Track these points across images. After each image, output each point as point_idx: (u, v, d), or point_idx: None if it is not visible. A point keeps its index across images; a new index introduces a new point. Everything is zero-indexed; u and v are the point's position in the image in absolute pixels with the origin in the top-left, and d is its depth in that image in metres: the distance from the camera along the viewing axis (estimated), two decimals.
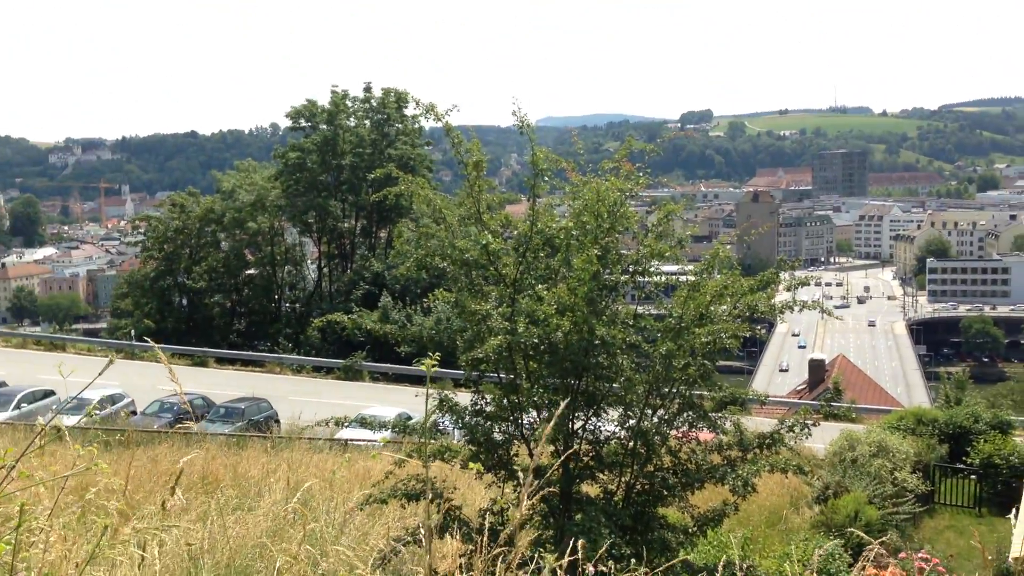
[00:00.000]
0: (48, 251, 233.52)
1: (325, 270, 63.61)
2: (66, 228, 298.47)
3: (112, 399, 30.17)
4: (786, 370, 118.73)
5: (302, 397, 34.28)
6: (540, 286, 10.15)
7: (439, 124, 11.06)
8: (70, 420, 24.95)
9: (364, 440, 23.85)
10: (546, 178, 10.86)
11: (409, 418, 12.14)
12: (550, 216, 10.92)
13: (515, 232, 10.81)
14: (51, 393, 31.57)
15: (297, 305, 62.27)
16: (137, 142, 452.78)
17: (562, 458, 9.18)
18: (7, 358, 41.51)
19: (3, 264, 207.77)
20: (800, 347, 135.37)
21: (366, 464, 18.28)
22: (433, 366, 3.36)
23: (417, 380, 39.11)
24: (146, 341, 38.32)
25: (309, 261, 66.65)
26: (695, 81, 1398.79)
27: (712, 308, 10.07)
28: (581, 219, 10.23)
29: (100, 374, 3.28)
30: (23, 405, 29.76)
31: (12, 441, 17.71)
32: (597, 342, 9.55)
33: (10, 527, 3.02)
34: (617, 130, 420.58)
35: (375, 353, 43.54)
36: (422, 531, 8.85)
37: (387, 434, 11.28)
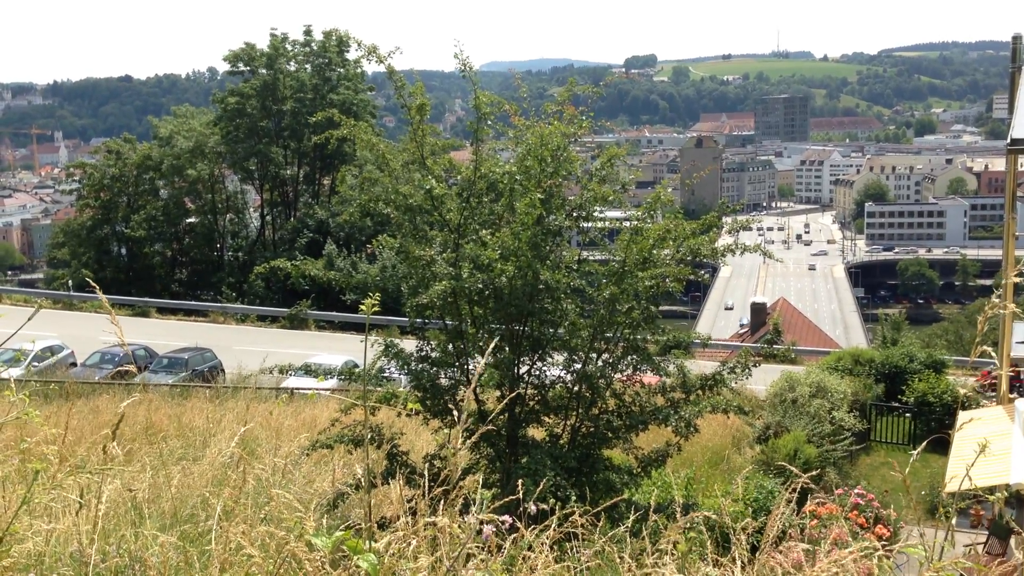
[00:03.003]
0: None
1: (268, 218, 62.67)
2: None
3: (51, 350, 29.61)
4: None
5: (247, 346, 33.96)
6: (484, 231, 10.11)
7: (381, 68, 10.87)
8: (10, 372, 24.47)
9: (310, 389, 23.79)
10: (489, 122, 10.75)
11: (356, 366, 12.09)
12: (494, 161, 10.86)
13: (459, 177, 10.75)
14: None
15: (240, 254, 61.36)
16: (69, 87, 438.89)
17: (506, 399, 9.23)
18: None
19: None
20: (742, 320, 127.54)
21: (312, 412, 18.30)
22: (375, 309, 3.33)
23: (363, 328, 38.85)
24: (87, 290, 37.61)
25: (251, 209, 65.59)
26: (640, 26, 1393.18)
27: (655, 252, 10.13)
28: (525, 163, 10.19)
29: (29, 319, 3.20)
30: None
31: None
32: (541, 287, 9.58)
33: None
34: (561, 75, 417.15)
35: (320, 302, 43.23)
36: (372, 476, 8.89)
37: (334, 382, 11.26)
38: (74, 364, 29.83)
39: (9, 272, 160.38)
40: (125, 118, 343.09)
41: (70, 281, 52.97)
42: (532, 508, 3.82)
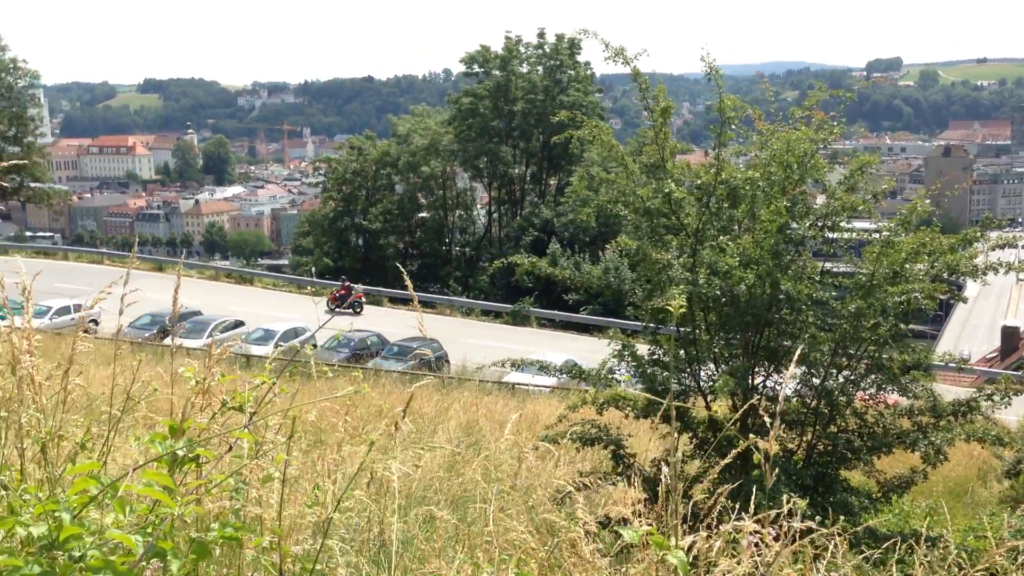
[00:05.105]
0: (237, 189, 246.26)
1: (495, 215, 64.44)
2: (252, 168, 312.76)
3: (295, 332, 31.81)
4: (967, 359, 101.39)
5: (471, 340, 35.06)
6: (723, 237, 9.90)
7: (610, 71, 10.86)
8: (260, 350, 26.53)
9: (530, 384, 24.28)
10: (733, 126, 10.51)
11: (576, 364, 12.15)
12: (732, 166, 10.62)
13: (697, 181, 10.57)
14: (241, 323, 33.59)
15: (467, 249, 63.48)
16: (318, 86, 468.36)
17: (741, 409, 8.97)
18: (202, 289, 44.37)
19: (197, 201, 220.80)
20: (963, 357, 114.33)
21: (534, 408, 18.65)
22: (682, 309, 3.28)
23: (583, 328, 39.25)
24: (326, 277, 40.28)
25: (479, 206, 67.66)
26: (883, 26, 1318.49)
27: (907, 266, 9.54)
28: (768, 169, 9.89)
29: (338, 312, 3.41)
30: (215, 334, 31.69)
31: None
32: (781, 296, 9.26)
33: (280, 440, 3.25)
34: (796, 78, 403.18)
35: (541, 300, 43.98)
36: (596, 475, 8.92)
37: (554, 380, 11.37)
38: (314, 346, 31.87)
39: (259, 258, 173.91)
40: (366, 116, 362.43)
41: (312, 268, 56.80)
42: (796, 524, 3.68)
